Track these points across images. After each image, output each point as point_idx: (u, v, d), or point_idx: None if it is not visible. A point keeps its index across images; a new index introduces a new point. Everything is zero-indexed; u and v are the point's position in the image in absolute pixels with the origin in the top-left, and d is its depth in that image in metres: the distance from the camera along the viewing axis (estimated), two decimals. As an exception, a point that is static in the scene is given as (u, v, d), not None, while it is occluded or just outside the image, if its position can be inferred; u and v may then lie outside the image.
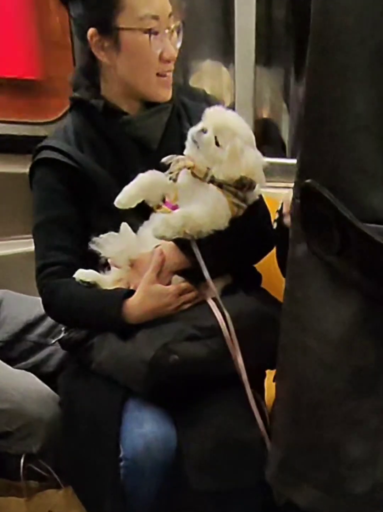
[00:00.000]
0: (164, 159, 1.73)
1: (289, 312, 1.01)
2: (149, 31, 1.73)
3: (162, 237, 1.67)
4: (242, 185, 1.71)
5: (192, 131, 1.71)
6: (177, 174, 1.72)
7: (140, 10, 1.72)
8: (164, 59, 1.77)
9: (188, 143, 1.73)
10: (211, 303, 1.68)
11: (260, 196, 1.79)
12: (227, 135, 1.68)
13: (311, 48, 0.85)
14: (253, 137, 1.75)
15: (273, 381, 1.65)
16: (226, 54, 2.50)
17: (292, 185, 1.95)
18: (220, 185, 1.70)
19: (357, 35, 0.77)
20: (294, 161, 2.48)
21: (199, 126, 1.70)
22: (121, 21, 1.73)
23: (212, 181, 1.70)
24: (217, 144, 1.68)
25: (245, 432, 1.60)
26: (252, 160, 1.70)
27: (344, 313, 0.87)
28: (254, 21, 2.39)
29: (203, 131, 1.69)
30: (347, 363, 0.91)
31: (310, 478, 1.01)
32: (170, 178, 1.72)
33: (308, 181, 0.89)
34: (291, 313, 1.00)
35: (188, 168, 1.71)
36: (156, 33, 1.74)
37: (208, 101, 1.96)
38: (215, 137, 1.68)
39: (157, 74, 1.79)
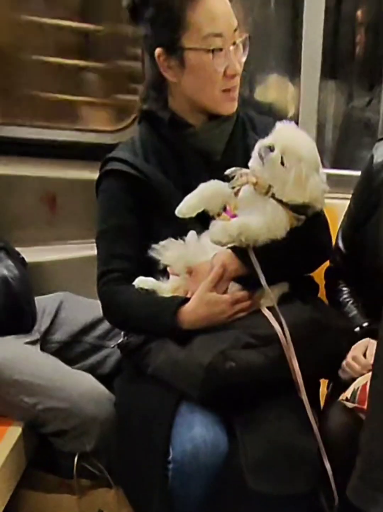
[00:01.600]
0: (227, 172, 1.75)
1: None
2: (213, 50, 1.74)
3: (218, 243, 1.69)
4: (302, 207, 1.72)
5: (259, 146, 1.72)
6: (239, 189, 1.74)
7: (203, 30, 1.74)
8: (228, 75, 1.79)
9: (254, 156, 1.74)
10: (267, 312, 1.69)
11: (321, 209, 1.79)
12: (293, 158, 1.68)
13: None
14: (319, 162, 1.75)
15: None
16: (292, 68, 2.51)
17: (347, 195, 1.99)
18: (280, 201, 1.71)
19: None
20: (349, 172, 2.50)
21: (266, 141, 1.71)
22: (186, 41, 1.76)
23: (273, 197, 1.71)
24: (282, 163, 1.68)
25: (301, 439, 1.60)
26: (316, 188, 1.70)
27: None
28: (321, 36, 2.39)
29: (270, 148, 1.69)
30: None
31: None
32: (232, 192, 1.74)
33: None
34: None
35: (251, 183, 1.72)
36: (220, 50, 1.75)
37: (274, 114, 1.98)
38: (281, 157, 1.68)
39: (222, 90, 1.81)
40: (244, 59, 1.83)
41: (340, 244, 2.02)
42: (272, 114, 1.98)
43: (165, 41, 1.79)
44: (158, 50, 1.80)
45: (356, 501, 1.09)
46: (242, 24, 1.82)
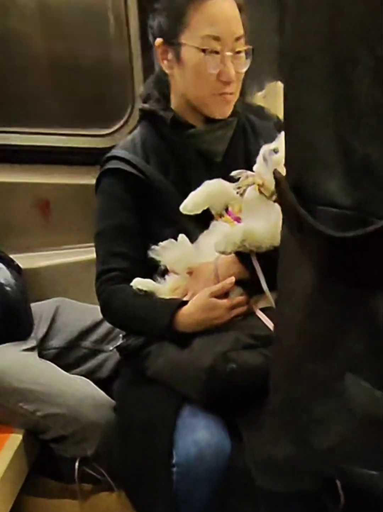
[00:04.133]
0: (234, 173, 1.76)
1: (277, 285, 1.09)
2: (205, 50, 1.75)
3: (223, 252, 1.70)
4: None
5: (264, 149, 1.73)
6: (245, 190, 1.75)
7: (202, 30, 1.75)
8: (221, 80, 1.79)
9: (259, 160, 1.75)
10: (261, 314, 1.70)
11: None
12: None
13: (284, 62, 0.94)
14: None
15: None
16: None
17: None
18: None
19: (317, 51, 0.86)
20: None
21: (272, 145, 1.72)
22: (184, 37, 1.77)
23: (278, 200, 1.71)
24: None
25: None
26: None
27: (307, 284, 0.94)
28: None
29: (275, 151, 1.70)
30: (310, 328, 0.97)
31: (284, 435, 1.08)
32: (237, 192, 1.75)
33: (273, 171, 1.02)
34: (278, 285, 1.08)
35: (257, 185, 1.73)
36: (216, 53, 1.76)
37: (275, 120, 1.99)
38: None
39: (213, 94, 1.81)
40: (244, 69, 1.83)
41: None
42: (273, 120, 1.98)
43: (166, 33, 1.81)
44: (158, 40, 1.83)
45: (261, 447, 1.22)
46: (248, 35, 1.80)
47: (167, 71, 1.86)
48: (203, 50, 1.75)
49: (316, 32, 0.85)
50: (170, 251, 1.80)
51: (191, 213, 1.75)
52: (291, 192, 0.93)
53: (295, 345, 1.01)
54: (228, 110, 1.87)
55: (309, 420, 1.01)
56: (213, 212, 1.78)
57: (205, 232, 1.79)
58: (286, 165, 1.01)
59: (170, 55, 1.82)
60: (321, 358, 0.96)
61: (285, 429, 1.08)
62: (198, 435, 1.60)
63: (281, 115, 2.38)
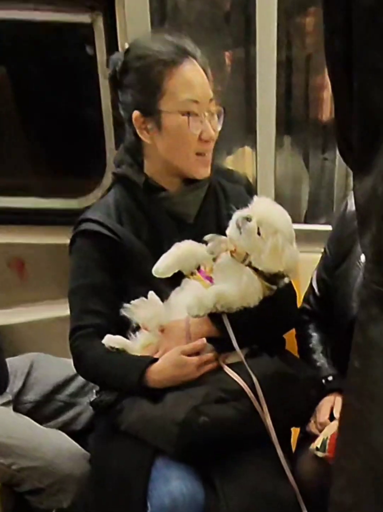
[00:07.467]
0: (206, 238, 1.82)
1: (362, 391, 1.03)
2: (188, 113, 1.82)
3: (196, 316, 1.75)
4: (276, 276, 1.80)
5: (237, 216, 1.79)
6: (219, 255, 1.81)
7: (180, 95, 1.82)
8: (202, 139, 1.86)
9: (231, 226, 1.81)
10: (229, 370, 1.76)
11: (290, 281, 1.88)
12: (269, 230, 1.75)
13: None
14: (294, 234, 1.82)
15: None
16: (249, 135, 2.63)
17: (312, 250, 2.02)
18: (255, 269, 1.78)
19: None
20: (313, 227, 2.58)
21: (244, 212, 1.79)
22: (163, 105, 1.83)
23: (249, 265, 1.79)
24: (259, 233, 1.75)
25: (281, 487, 1.67)
26: (291, 258, 1.78)
27: None
28: (275, 101, 2.50)
29: (248, 219, 1.76)
30: None
31: None
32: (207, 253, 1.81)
33: None
34: (365, 391, 1.02)
35: (229, 251, 1.79)
36: (195, 115, 1.83)
37: (244, 183, 2.07)
38: (258, 228, 1.75)
39: (196, 153, 1.88)
40: (219, 128, 1.91)
41: (314, 285, 2.09)
42: (243, 183, 2.07)
43: (143, 105, 1.86)
44: (135, 113, 1.87)
45: None
46: (218, 97, 1.90)
47: (147, 141, 1.89)
48: (185, 114, 1.82)
49: None
50: (142, 310, 1.84)
51: (163, 276, 1.80)
52: None
53: None
54: (208, 171, 1.93)
55: None
56: (184, 272, 1.84)
57: (177, 289, 1.84)
58: None
59: (149, 125, 1.87)
60: None
61: None
62: (171, 485, 1.63)
63: (250, 178, 2.51)
